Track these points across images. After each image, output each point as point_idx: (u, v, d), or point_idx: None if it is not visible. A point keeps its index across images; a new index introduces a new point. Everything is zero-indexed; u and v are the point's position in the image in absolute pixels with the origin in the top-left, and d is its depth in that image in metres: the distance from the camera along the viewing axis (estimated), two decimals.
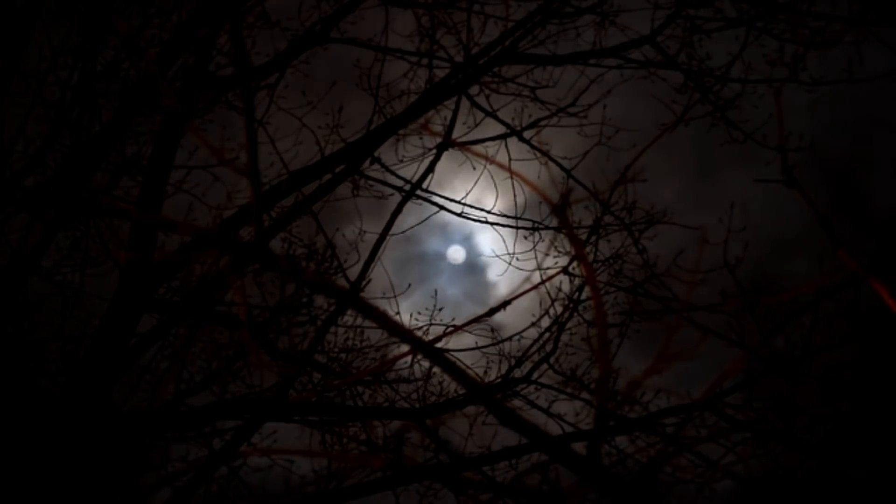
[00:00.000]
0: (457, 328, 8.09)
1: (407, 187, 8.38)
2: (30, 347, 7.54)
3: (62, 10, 7.72)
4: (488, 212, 8.63)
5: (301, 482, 7.98)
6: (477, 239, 9.24)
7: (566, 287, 8.38)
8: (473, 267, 9.80)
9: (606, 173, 8.61)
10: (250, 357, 8.06)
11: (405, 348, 7.70)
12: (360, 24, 8.57)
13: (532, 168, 8.74)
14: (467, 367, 8.06)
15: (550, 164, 8.68)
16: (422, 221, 8.55)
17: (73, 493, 6.63)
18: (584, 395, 8.14)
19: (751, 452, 7.20)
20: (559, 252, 8.65)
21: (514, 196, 8.63)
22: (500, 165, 8.67)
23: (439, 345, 7.98)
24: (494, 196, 8.65)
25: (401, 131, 8.45)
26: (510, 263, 8.69)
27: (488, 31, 8.50)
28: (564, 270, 8.44)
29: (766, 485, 6.95)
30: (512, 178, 8.63)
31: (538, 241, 8.69)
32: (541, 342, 8.21)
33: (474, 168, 8.65)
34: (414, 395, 8.24)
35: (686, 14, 8.31)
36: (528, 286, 8.20)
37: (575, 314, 8.30)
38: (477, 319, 7.85)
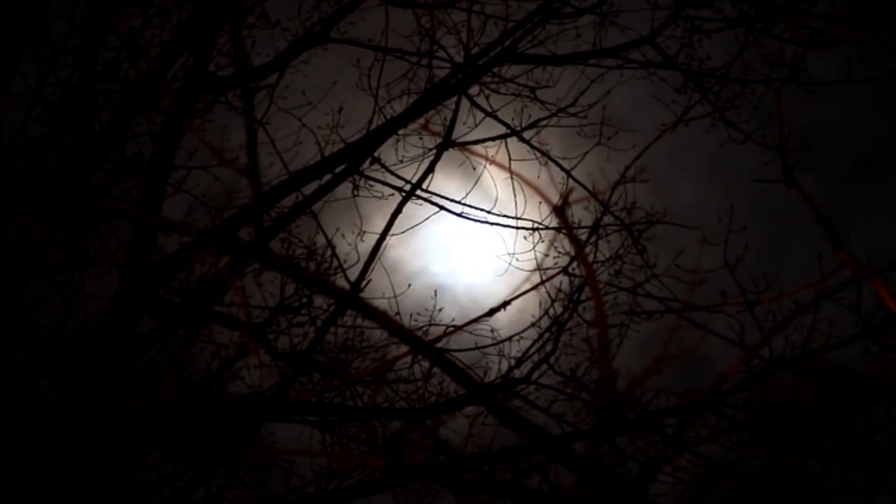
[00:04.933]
0: (457, 328, 8.08)
1: (407, 187, 8.38)
2: (30, 347, 7.53)
3: (62, 9, 7.73)
4: (488, 212, 8.63)
5: (301, 482, 7.99)
6: (477, 239, 9.24)
7: (566, 287, 8.39)
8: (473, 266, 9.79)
9: (606, 173, 8.63)
10: (250, 357, 8.06)
11: (405, 348, 7.70)
12: (360, 24, 8.58)
13: (532, 168, 8.75)
14: (467, 367, 8.06)
15: (550, 164, 8.69)
16: (422, 221, 8.55)
17: (72, 493, 6.62)
18: (584, 395, 8.14)
19: (751, 452, 7.20)
20: (559, 252, 8.66)
21: (514, 196, 8.64)
22: (500, 165, 8.68)
23: (439, 345, 7.98)
24: (494, 196, 8.66)
25: (401, 131, 8.45)
26: (510, 263, 8.70)
27: (488, 31, 8.50)
28: (564, 270, 8.43)
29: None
30: (512, 178, 8.64)
31: (538, 241, 8.70)
32: (541, 342, 8.21)
33: (474, 168, 8.66)
34: (414, 396, 8.24)
35: (686, 14, 8.31)
36: (528, 286, 8.21)
37: (575, 314, 8.30)
38: (477, 319, 7.85)
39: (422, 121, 8.47)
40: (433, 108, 8.43)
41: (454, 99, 8.45)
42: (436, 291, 8.64)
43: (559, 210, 8.55)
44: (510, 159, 8.68)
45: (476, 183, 8.63)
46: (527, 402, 8.10)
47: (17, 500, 6.42)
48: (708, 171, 9.96)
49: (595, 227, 8.54)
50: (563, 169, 8.68)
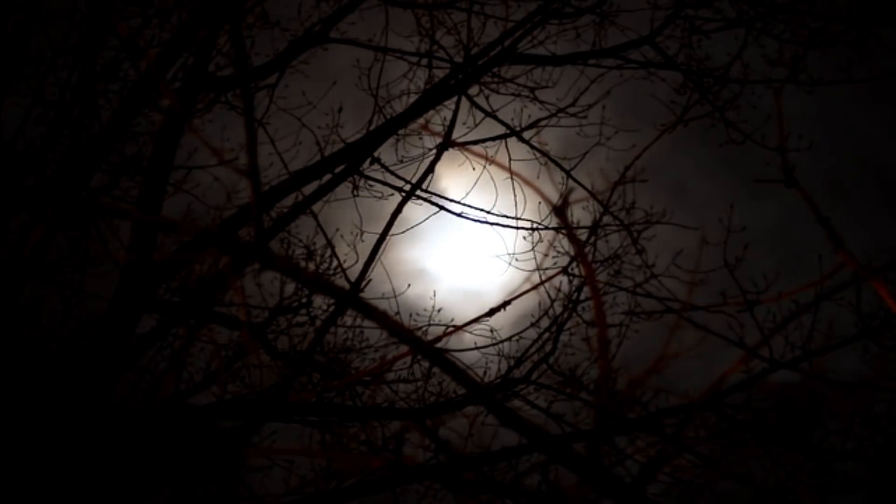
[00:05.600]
0: (456, 328, 8.09)
1: (407, 187, 8.38)
2: (30, 347, 7.54)
3: (62, 10, 7.73)
4: (488, 212, 8.63)
5: (301, 482, 7.99)
6: (476, 239, 9.24)
7: (566, 287, 8.39)
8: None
9: (606, 173, 8.63)
10: (250, 357, 8.06)
11: (405, 348, 7.70)
12: (359, 25, 8.58)
13: (532, 168, 8.75)
14: (467, 367, 8.06)
15: (550, 164, 8.69)
16: (422, 221, 8.55)
17: (73, 493, 6.63)
18: (584, 395, 8.15)
19: (751, 452, 7.21)
20: (559, 252, 8.66)
21: (514, 196, 8.64)
22: (500, 165, 8.68)
23: (439, 345, 7.98)
24: (494, 196, 8.66)
25: (401, 131, 8.45)
26: (510, 263, 8.70)
27: (488, 31, 8.51)
28: (564, 270, 8.44)
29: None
30: (512, 178, 8.64)
31: (538, 241, 8.70)
32: (540, 342, 8.21)
33: (474, 168, 8.66)
34: (414, 396, 8.24)
35: (685, 14, 8.31)
36: (527, 286, 8.21)
37: (574, 314, 8.30)
38: (476, 320, 7.85)
39: (422, 121, 8.48)
40: (433, 108, 8.44)
41: (454, 99, 8.46)
42: (435, 291, 8.65)
43: (559, 210, 8.56)
44: (510, 159, 8.69)
45: (476, 183, 8.64)
46: (527, 402, 8.11)
47: (18, 501, 6.42)
48: (707, 172, 9.97)
49: (594, 228, 8.54)
50: (562, 169, 8.69)
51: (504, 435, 7.40)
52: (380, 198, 8.59)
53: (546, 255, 8.65)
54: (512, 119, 8.65)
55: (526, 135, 8.66)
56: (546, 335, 8.21)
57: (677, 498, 7.51)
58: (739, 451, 7.24)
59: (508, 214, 8.65)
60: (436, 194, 8.48)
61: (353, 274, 8.02)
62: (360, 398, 8.14)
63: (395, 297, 8.35)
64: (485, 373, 8.29)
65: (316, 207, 8.21)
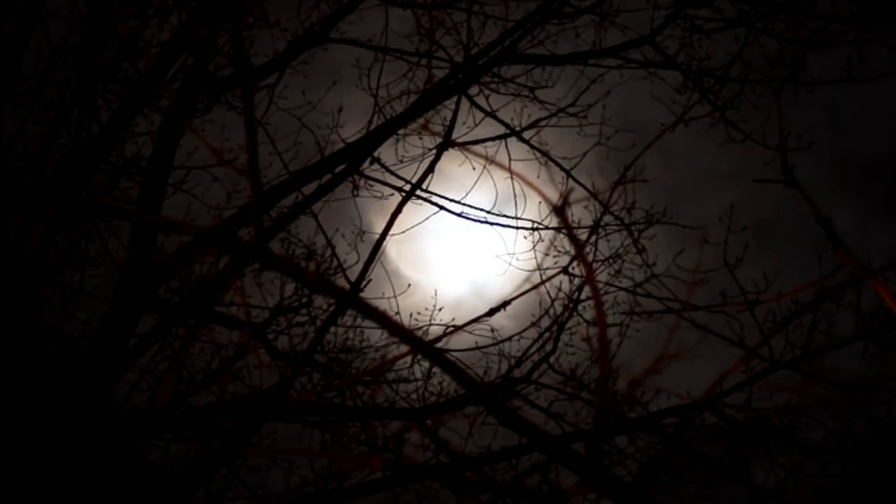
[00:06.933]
0: (457, 328, 8.09)
1: (407, 187, 8.38)
2: (29, 348, 7.53)
3: (62, 9, 7.73)
4: (488, 212, 8.63)
5: (301, 482, 7.99)
6: (476, 239, 9.24)
7: (566, 287, 8.40)
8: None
9: (606, 173, 8.63)
10: (250, 357, 8.06)
11: (405, 348, 7.70)
12: (359, 25, 8.58)
13: (532, 168, 8.75)
14: (467, 367, 8.06)
15: (550, 164, 8.69)
16: (422, 221, 8.56)
17: (72, 493, 6.62)
18: (584, 395, 8.15)
19: (751, 452, 7.21)
20: (559, 252, 8.66)
21: (514, 196, 8.64)
22: (500, 165, 8.68)
23: (439, 345, 7.98)
24: (494, 196, 8.66)
25: (401, 131, 8.46)
26: (510, 263, 8.70)
27: (488, 31, 8.51)
28: (564, 270, 8.44)
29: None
30: (512, 178, 8.64)
31: (538, 241, 8.71)
32: (541, 342, 8.22)
33: (474, 168, 8.66)
34: (414, 395, 8.25)
35: (685, 14, 8.31)
36: (528, 286, 8.21)
37: (575, 314, 8.31)
38: (477, 319, 7.85)
39: (422, 121, 8.48)
40: (433, 108, 8.44)
41: (454, 99, 8.46)
42: (436, 291, 8.65)
43: (559, 210, 8.54)
44: (510, 159, 8.69)
45: (476, 183, 8.64)
46: (527, 401, 8.12)
47: (18, 501, 6.42)
48: (707, 172, 9.97)
49: (595, 227, 8.54)
50: (563, 169, 8.69)
51: (504, 435, 7.40)
52: (380, 198, 8.60)
53: (546, 255, 8.66)
54: (512, 119, 8.66)
55: (526, 135, 8.67)
56: (546, 335, 8.22)
57: (677, 498, 7.51)
58: (739, 451, 7.24)
59: (508, 214, 8.67)
60: (436, 194, 8.50)
61: (353, 274, 8.02)
62: (361, 398, 8.14)
63: (395, 296, 8.37)
64: (485, 373, 8.30)
65: (316, 207, 8.22)
